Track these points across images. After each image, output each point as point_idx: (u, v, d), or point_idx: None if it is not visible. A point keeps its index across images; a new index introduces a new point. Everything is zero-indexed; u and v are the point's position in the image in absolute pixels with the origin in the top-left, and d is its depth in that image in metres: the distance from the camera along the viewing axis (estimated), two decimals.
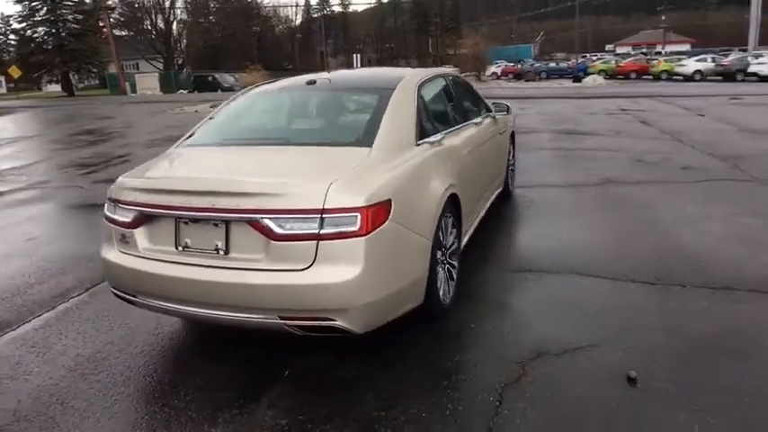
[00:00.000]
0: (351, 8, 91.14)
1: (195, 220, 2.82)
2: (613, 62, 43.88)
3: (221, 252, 2.78)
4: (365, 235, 2.64)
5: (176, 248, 2.88)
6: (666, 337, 3.22)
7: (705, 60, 35.16)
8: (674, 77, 35.87)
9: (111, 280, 3.20)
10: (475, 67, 43.91)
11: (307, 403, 2.74)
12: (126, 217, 3.01)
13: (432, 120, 3.86)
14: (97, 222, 3.80)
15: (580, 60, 49.01)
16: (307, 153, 3.28)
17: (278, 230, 2.65)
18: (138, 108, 26.47)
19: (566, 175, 7.82)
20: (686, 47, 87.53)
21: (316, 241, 2.62)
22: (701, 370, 2.90)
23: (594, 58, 54.78)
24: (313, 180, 2.77)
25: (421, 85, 3.86)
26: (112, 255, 3.09)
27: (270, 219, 2.65)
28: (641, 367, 2.90)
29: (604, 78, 37.41)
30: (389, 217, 2.76)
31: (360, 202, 2.66)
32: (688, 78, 34.48)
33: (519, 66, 49.19)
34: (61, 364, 3.21)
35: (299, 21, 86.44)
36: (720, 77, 33.01)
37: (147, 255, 2.94)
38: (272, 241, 2.66)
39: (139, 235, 2.97)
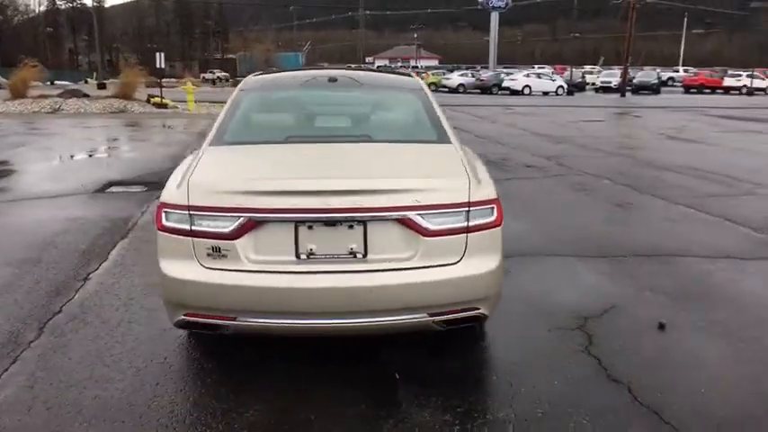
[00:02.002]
0: (107, 2, 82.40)
1: (329, 223, 2.54)
2: None
3: (359, 255, 2.57)
4: (500, 225, 2.74)
5: (297, 257, 2.56)
6: None
7: (467, 75, 40.50)
8: (441, 89, 40.49)
9: (188, 304, 2.64)
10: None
11: (442, 397, 2.72)
12: (223, 227, 2.53)
13: None
14: None
15: None
16: (401, 149, 3.19)
17: (431, 226, 2.58)
18: None
19: None
20: (435, 62, 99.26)
21: (465, 234, 2.63)
22: None
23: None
24: (453, 175, 2.75)
25: None
26: (194, 273, 2.57)
27: (421, 215, 2.57)
28: None
29: None
30: None
31: (493, 194, 2.75)
32: (453, 90, 39.32)
33: None
34: None
35: (43, 11, 74.73)
36: (479, 90, 38.33)
37: (254, 268, 2.54)
38: (425, 237, 2.57)
39: (244, 246, 2.54)
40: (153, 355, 3.09)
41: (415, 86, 3.89)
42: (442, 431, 2.48)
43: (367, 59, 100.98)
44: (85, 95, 19.74)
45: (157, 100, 18.40)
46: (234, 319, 2.57)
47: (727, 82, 41.24)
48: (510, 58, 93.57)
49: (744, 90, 39.49)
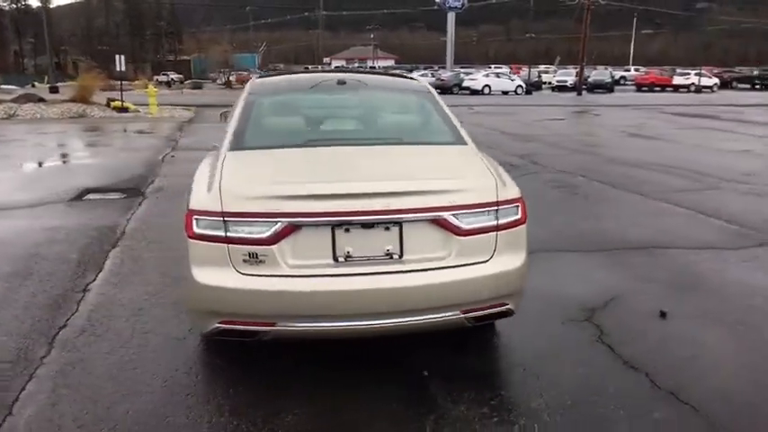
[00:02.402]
0: (53, 2, 78.93)
1: (367, 225, 2.57)
2: None
3: (395, 256, 2.61)
4: (524, 222, 2.84)
5: (334, 260, 2.58)
6: None
7: (426, 75, 40.82)
8: None
9: (223, 312, 2.60)
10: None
11: (474, 391, 2.80)
12: (260, 232, 2.52)
13: None
14: None
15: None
16: (424, 151, 3.24)
17: (464, 226, 2.65)
18: None
19: None
20: (391, 62, 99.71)
21: (495, 233, 2.72)
22: None
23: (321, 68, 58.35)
24: (482, 176, 2.83)
25: None
26: (231, 280, 2.54)
27: (455, 215, 2.64)
28: None
29: None
30: None
31: (518, 194, 2.85)
32: None
33: (249, 74, 49.33)
34: None
35: None
36: (440, 90, 38.45)
37: (293, 272, 2.55)
38: (458, 237, 2.65)
39: (282, 251, 2.54)
40: (177, 366, 3.05)
41: (423, 89, 3.99)
42: (482, 423, 2.55)
43: (324, 60, 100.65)
44: (41, 100, 19.01)
45: (118, 104, 17.89)
46: (273, 325, 2.57)
47: (677, 80, 42.94)
48: (465, 58, 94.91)
49: (692, 88, 41.21)
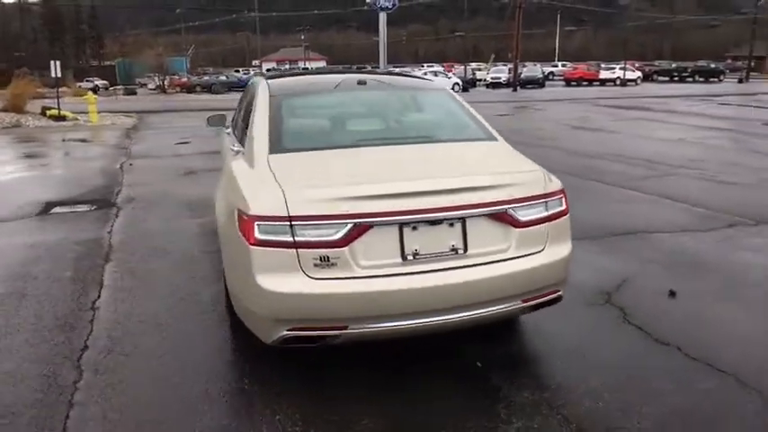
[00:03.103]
0: None
1: (433, 222, 2.61)
2: None
3: (459, 251, 2.67)
4: (568, 213, 2.97)
5: (403, 258, 2.60)
6: None
7: None
8: None
9: (294, 318, 2.56)
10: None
11: (530, 377, 2.92)
12: (330, 234, 2.51)
13: None
14: None
15: (244, 75, 50.78)
16: (466, 148, 3.31)
17: (522, 218, 2.75)
18: None
19: None
20: (323, 63, 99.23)
21: (547, 223, 2.83)
22: None
23: (254, 71, 57.43)
24: (530, 170, 2.94)
25: None
26: (302, 285, 2.51)
27: (513, 208, 2.73)
28: None
29: None
30: None
31: (560, 185, 2.98)
32: None
33: (187, 78, 47.92)
34: None
35: None
36: None
37: (364, 273, 2.54)
38: (517, 229, 2.74)
39: (354, 252, 2.53)
40: (225, 379, 2.98)
41: (439, 87, 4.10)
42: (551, 406, 2.66)
43: (254, 62, 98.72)
44: None
45: (55, 112, 16.87)
46: (345, 328, 2.56)
47: (603, 74, 45.11)
48: (396, 58, 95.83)
49: (618, 81, 43.43)
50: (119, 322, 3.67)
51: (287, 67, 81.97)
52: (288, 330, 2.57)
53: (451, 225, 2.65)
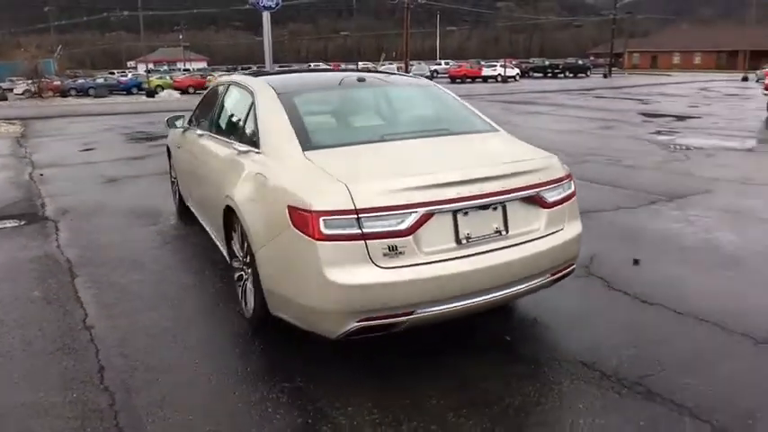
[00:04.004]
0: None
1: (482, 207, 2.81)
2: (168, 78, 45.25)
3: (502, 233, 2.90)
4: (575, 194, 3.32)
5: (457, 243, 2.78)
6: None
7: None
8: None
9: (365, 308, 2.63)
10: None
11: (551, 348, 3.26)
12: (397, 224, 2.62)
13: None
14: None
15: (129, 77, 47.78)
16: (483, 138, 3.56)
17: (549, 199, 3.05)
18: None
19: None
20: (203, 64, 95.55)
21: (565, 203, 3.16)
22: None
23: (135, 73, 54.14)
24: (547, 156, 3.23)
25: None
26: (373, 275, 2.59)
27: (544, 190, 3.02)
28: None
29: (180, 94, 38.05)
30: None
31: (568, 170, 3.30)
32: None
33: (60, 81, 44.01)
34: None
35: None
36: None
37: (428, 259, 2.68)
38: (545, 210, 3.03)
39: (418, 240, 2.66)
40: (279, 380, 2.96)
41: (431, 84, 4.34)
42: (586, 365, 3.00)
43: (129, 64, 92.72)
44: None
45: None
46: (411, 314, 2.69)
47: (486, 72, 47.80)
48: (280, 57, 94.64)
49: (499, 78, 46.18)
50: (125, 339, 3.47)
51: (164, 67, 78.03)
52: (358, 322, 2.64)
53: (495, 209, 2.88)
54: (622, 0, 51.40)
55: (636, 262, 4.46)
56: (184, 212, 5.99)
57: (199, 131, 4.79)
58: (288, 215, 2.73)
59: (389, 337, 2.91)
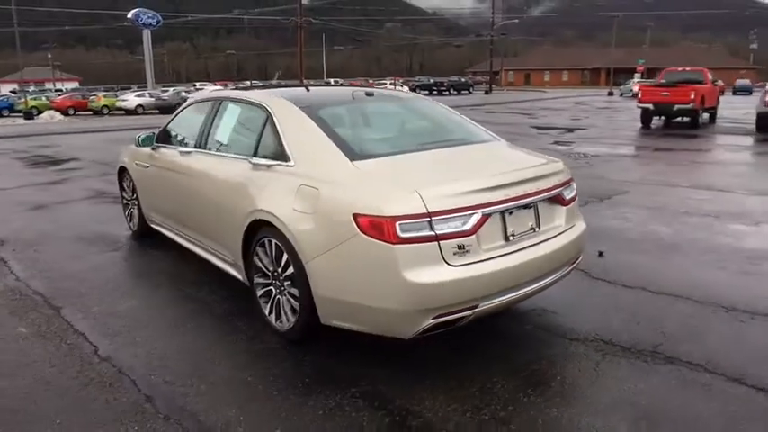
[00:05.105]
0: None
1: (524, 207, 3.16)
2: (44, 98, 41.76)
3: (536, 229, 3.26)
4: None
5: (506, 240, 3.08)
6: None
7: (144, 96, 38.11)
8: (116, 113, 37.37)
9: (440, 305, 2.82)
10: None
11: (564, 324, 3.68)
12: (463, 225, 2.87)
13: None
14: None
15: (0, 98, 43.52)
16: (498, 146, 3.92)
17: (567, 198, 3.47)
18: None
19: None
20: (75, 84, 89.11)
21: (575, 202, 3.59)
22: None
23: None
24: (557, 160, 3.64)
25: None
26: (446, 273, 2.80)
27: (563, 191, 3.45)
28: None
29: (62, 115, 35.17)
30: None
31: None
32: (131, 112, 36.65)
33: None
34: None
35: None
36: (159, 111, 36.73)
37: (487, 256, 2.95)
38: (564, 207, 3.45)
39: (479, 238, 2.93)
40: (343, 385, 3.05)
41: (422, 97, 4.75)
42: (601, 339, 3.43)
43: None
44: None
45: None
46: (476, 307, 2.94)
47: None
48: (158, 77, 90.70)
49: None
50: (157, 366, 3.33)
51: (32, 88, 71.50)
52: (433, 318, 2.84)
53: (530, 208, 3.24)
54: (497, 23, 55.32)
55: (600, 254, 5.05)
56: (145, 235, 5.81)
57: (181, 149, 4.71)
58: (354, 223, 2.88)
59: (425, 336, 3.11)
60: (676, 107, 17.64)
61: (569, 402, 2.84)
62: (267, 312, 3.64)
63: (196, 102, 5.05)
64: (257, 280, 3.70)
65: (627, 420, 2.68)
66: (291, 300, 3.38)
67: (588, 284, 4.40)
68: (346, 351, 3.39)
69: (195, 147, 4.54)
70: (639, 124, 18.69)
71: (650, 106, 18.19)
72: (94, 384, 3.18)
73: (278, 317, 3.55)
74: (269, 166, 3.58)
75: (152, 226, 5.63)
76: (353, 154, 3.28)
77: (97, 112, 38.43)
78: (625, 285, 4.33)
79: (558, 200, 3.43)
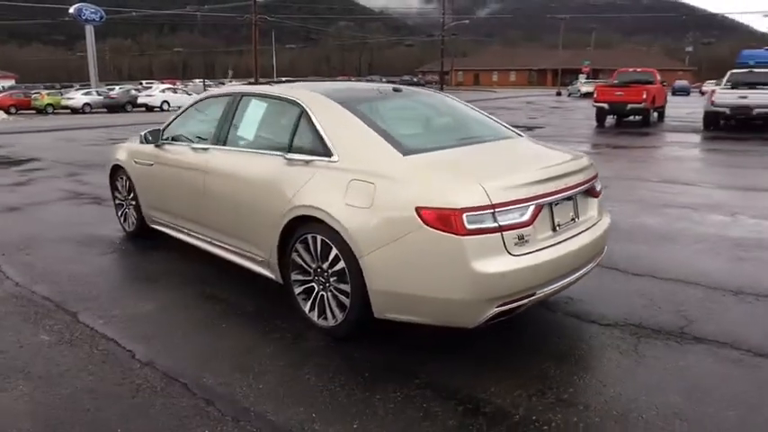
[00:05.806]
0: None
1: (568, 198, 3.31)
2: None
3: (576, 220, 3.42)
4: None
5: (553, 230, 3.22)
6: None
7: (91, 94, 36.61)
8: (61, 111, 35.73)
9: (503, 294, 2.92)
10: None
11: (584, 310, 3.87)
12: (522, 216, 2.98)
13: None
14: None
15: None
16: (525, 141, 4.04)
17: (597, 190, 3.66)
18: None
19: None
20: (11, 82, 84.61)
21: (601, 195, 3.78)
22: None
23: None
24: (583, 154, 3.80)
25: None
26: (510, 263, 2.90)
27: (595, 183, 3.63)
28: None
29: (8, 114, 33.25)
30: None
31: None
32: (77, 111, 35.09)
33: None
34: None
35: None
36: (106, 109, 35.42)
37: (541, 245, 3.08)
38: (595, 199, 3.63)
39: (535, 228, 3.05)
40: (406, 379, 3.10)
41: (440, 93, 4.83)
42: (617, 324, 3.63)
43: None
44: None
45: None
46: (533, 295, 3.06)
47: None
48: (102, 75, 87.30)
49: None
50: (209, 369, 3.23)
51: (2, 86, 67.24)
52: (497, 307, 2.94)
53: (571, 200, 3.40)
54: (447, 24, 56.10)
55: None
56: (140, 236, 5.70)
57: (195, 146, 4.63)
58: (416, 216, 2.94)
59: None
60: (629, 106, 18.48)
61: (623, 382, 3.01)
62: (307, 310, 3.62)
63: (209, 97, 4.97)
64: (295, 277, 3.67)
65: (680, 394, 2.87)
66: (340, 295, 3.39)
67: (601, 273, 4.60)
68: (389, 346, 3.44)
69: (213, 143, 4.47)
70: (593, 123, 19.46)
71: (605, 105, 18.97)
72: (145, 390, 3.08)
73: (321, 313, 3.54)
74: (307, 162, 3.57)
75: (153, 226, 5.49)
76: (405, 149, 3.31)
77: (41, 111, 36.54)
78: (635, 274, 4.57)
79: (591, 192, 3.61)
